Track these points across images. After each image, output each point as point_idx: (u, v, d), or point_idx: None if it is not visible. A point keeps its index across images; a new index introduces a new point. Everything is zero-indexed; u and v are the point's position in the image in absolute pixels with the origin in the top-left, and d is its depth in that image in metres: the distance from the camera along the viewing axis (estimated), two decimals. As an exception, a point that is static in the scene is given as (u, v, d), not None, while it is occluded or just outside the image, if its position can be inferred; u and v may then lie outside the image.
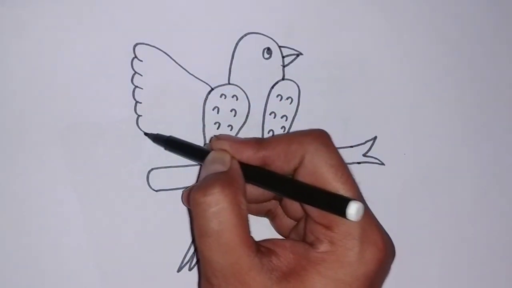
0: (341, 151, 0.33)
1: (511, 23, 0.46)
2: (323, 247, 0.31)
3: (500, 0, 0.46)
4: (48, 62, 0.35)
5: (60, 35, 0.35)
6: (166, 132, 0.38)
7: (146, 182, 0.38)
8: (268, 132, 0.40)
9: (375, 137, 0.43)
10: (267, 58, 0.39)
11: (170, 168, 0.38)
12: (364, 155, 0.42)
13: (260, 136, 0.40)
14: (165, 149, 0.37)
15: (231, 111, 0.39)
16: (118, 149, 0.37)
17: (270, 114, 0.40)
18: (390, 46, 0.43)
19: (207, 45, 0.38)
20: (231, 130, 0.39)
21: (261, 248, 0.32)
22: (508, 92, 0.47)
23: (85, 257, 0.37)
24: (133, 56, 0.37)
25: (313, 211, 0.32)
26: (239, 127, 0.39)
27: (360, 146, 0.42)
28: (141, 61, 0.37)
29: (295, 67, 0.40)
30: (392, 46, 0.43)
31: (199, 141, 0.39)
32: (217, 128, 0.39)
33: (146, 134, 0.37)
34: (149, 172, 0.38)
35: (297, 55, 0.40)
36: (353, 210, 0.29)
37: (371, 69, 0.42)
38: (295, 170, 0.33)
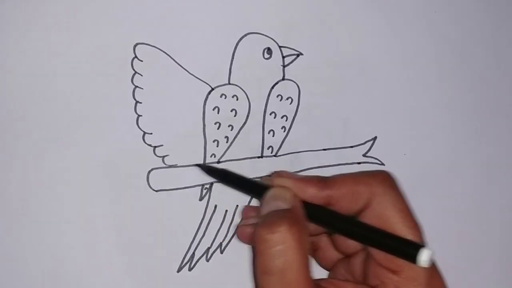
0: (341, 151, 0.33)
1: (511, 23, 0.46)
2: None
3: (500, 0, 0.46)
4: (48, 62, 0.35)
5: (60, 35, 0.35)
6: (166, 132, 0.38)
7: (146, 182, 0.38)
8: (269, 132, 0.40)
9: (375, 137, 0.43)
10: (267, 58, 0.39)
11: (170, 168, 0.38)
12: (364, 155, 0.42)
13: (261, 136, 0.40)
14: (219, 181, 0.37)
15: (231, 111, 0.39)
16: (118, 149, 0.37)
17: (270, 114, 0.40)
18: (390, 46, 0.43)
19: (207, 45, 0.38)
20: (231, 130, 0.39)
21: None
22: (508, 92, 0.47)
23: (85, 257, 0.37)
24: (133, 56, 0.37)
25: (379, 254, 0.32)
26: (239, 127, 0.39)
27: (360, 146, 0.42)
28: (141, 61, 0.37)
29: (295, 67, 0.40)
30: (392, 46, 0.43)
31: (199, 141, 0.39)
32: (217, 128, 0.39)
33: (197, 165, 0.37)
34: (149, 172, 0.38)
35: (297, 55, 0.40)
36: (426, 256, 0.29)
37: (371, 69, 0.42)
38: (360, 211, 0.33)
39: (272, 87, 0.40)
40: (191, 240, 0.39)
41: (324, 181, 0.33)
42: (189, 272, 0.39)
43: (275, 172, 0.36)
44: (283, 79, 0.40)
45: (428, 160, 0.44)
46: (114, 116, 0.37)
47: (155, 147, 0.38)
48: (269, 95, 0.40)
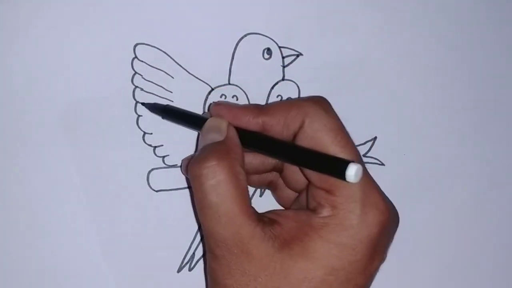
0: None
1: (511, 23, 0.46)
2: (325, 212, 0.31)
3: (500, 0, 0.46)
4: (48, 62, 0.35)
5: (60, 35, 0.35)
6: (167, 132, 0.38)
7: (146, 182, 0.38)
8: (268, 132, 0.40)
9: (375, 138, 0.43)
10: (267, 59, 0.39)
11: (170, 168, 0.38)
12: (364, 155, 0.42)
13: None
14: (163, 118, 0.37)
15: (231, 111, 0.39)
16: (118, 149, 0.37)
17: (270, 114, 0.40)
18: (390, 46, 0.43)
19: (207, 45, 0.38)
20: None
21: (263, 218, 0.32)
22: (508, 92, 0.47)
23: (85, 257, 0.37)
24: (133, 56, 0.37)
25: (314, 176, 0.32)
26: (239, 127, 0.39)
27: (360, 146, 0.42)
28: (141, 61, 0.37)
29: (295, 67, 0.40)
30: (392, 46, 0.43)
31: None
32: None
33: (143, 104, 0.37)
34: (149, 172, 0.38)
35: (297, 56, 0.40)
36: (352, 171, 0.29)
37: (371, 69, 0.42)
38: (295, 135, 0.33)
39: (272, 88, 0.40)
40: (191, 240, 0.39)
41: (259, 108, 0.34)
42: (189, 272, 0.39)
43: (212, 102, 0.36)
44: (283, 79, 0.40)
45: (428, 160, 0.44)
46: (114, 116, 0.37)
47: (155, 147, 0.38)
48: (269, 95, 0.40)
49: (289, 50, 0.40)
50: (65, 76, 0.36)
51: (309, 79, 0.41)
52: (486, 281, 0.47)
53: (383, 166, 0.43)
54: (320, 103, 0.33)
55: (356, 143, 0.42)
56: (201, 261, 0.39)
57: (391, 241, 0.33)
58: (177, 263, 0.39)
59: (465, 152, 0.46)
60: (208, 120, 0.34)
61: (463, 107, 0.45)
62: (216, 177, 0.30)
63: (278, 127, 0.33)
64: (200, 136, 0.35)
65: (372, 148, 0.43)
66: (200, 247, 0.39)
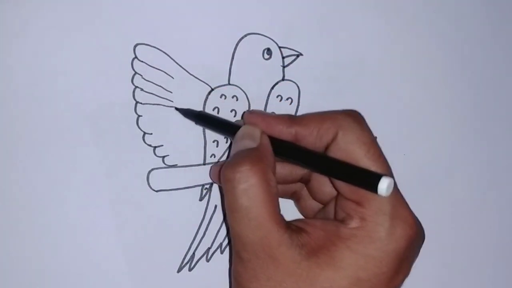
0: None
1: (511, 23, 0.46)
2: (354, 223, 0.32)
3: (500, 0, 0.46)
4: (48, 62, 0.35)
5: (60, 35, 0.35)
6: (167, 132, 0.38)
7: (146, 182, 0.38)
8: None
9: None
10: (267, 59, 0.39)
11: (170, 168, 0.38)
12: (364, 155, 0.42)
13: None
14: (196, 123, 0.38)
15: (231, 111, 0.39)
16: (118, 149, 0.37)
17: (270, 114, 0.40)
18: (390, 46, 0.43)
19: (207, 46, 0.38)
20: (231, 130, 0.39)
21: (292, 226, 0.32)
22: (507, 92, 0.47)
23: (85, 257, 0.37)
24: (133, 56, 0.37)
25: (344, 187, 0.32)
26: (239, 127, 0.39)
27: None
28: (141, 61, 0.37)
29: (295, 67, 0.40)
30: (392, 46, 0.43)
31: (199, 142, 0.39)
32: (217, 128, 0.39)
33: (176, 109, 0.37)
34: (149, 172, 0.38)
35: (297, 56, 0.40)
36: (384, 185, 0.29)
37: (371, 69, 0.42)
38: (327, 147, 0.33)
39: (272, 88, 0.40)
40: (191, 240, 0.39)
41: (293, 118, 0.34)
42: (189, 272, 0.39)
43: (246, 111, 0.36)
44: (283, 79, 0.40)
45: (428, 160, 0.44)
46: (114, 116, 0.37)
47: (155, 147, 0.38)
48: (269, 95, 0.40)
49: (289, 50, 0.40)
50: (65, 76, 0.36)
51: (309, 79, 0.41)
52: (486, 281, 0.47)
53: (383, 166, 0.43)
54: (354, 117, 0.33)
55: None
56: (201, 261, 0.39)
57: (417, 256, 0.34)
58: (177, 263, 0.39)
59: (465, 152, 0.46)
60: (242, 127, 0.35)
61: (463, 107, 0.45)
62: (248, 181, 0.31)
63: (311, 138, 0.33)
64: (233, 142, 0.35)
65: (372, 148, 0.43)
66: (200, 247, 0.39)
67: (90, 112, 0.36)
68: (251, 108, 0.39)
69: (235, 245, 0.32)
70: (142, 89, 0.37)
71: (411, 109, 0.44)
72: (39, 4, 0.35)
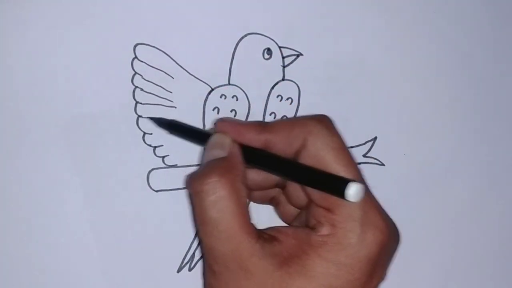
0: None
1: (511, 23, 0.46)
2: (324, 230, 0.31)
3: (500, 0, 0.46)
4: (48, 62, 0.35)
5: (60, 35, 0.35)
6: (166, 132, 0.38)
7: (146, 182, 0.38)
8: (268, 133, 0.40)
9: (375, 138, 0.43)
10: (267, 59, 0.39)
11: (170, 168, 0.38)
12: (364, 155, 0.42)
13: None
14: (169, 133, 0.37)
15: (231, 111, 0.39)
16: (118, 149, 0.37)
17: (270, 114, 0.40)
18: (390, 46, 0.43)
19: (207, 45, 0.38)
20: (231, 130, 0.39)
21: (263, 235, 0.32)
22: (507, 92, 0.47)
23: (85, 257, 0.37)
24: (133, 56, 0.37)
25: (315, 194, 0.32)
26: (239, 127, 0.39)
27: (360, 146, 0.42)
28: (141, 61, 0.37)
29: (295, 67, 0.40)
30: (392, 46, 0.43)
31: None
32: (217, 129, 0.39)
33: (150, 118, 0.37)
34: (149, 172, 0.38)
35: (297, 56, 0.40)
36: (352, 191, 0.28)
37: (371, 69, 0.42)
38: (297, 153, 0.33)
39: (272, 88, 0.40)
40: (191, 240, 0.39)
41: (263, 125, 0.34)
42: (189, 272, 0.39)
43: (218, 119, 0.36)
44: (283, 79, 0.40)
45: (428, 160, 0.44)
46: (114, 116, 0.37)
47: (155, 147, 0.38)
48: (269, 95, 0.40)
49: (289, 50, 0.40)
50: (65, 76, 0.36)
51: (309, 79, 0.41)
52: (486, 281, 0.47)
53: (383, 166, 0.43)
54: (324, 122, 0.33)
55: (356, 143, 0.42)
56: (201, 261, 0.39)
57: (392, 260, 0.33)
58: (177, 263, 0.39)
59: (465, 152, 0.46)
60: (212, 136, 0.34)
61: (463, 107, 0.45)
62: (216, 193, 0.31)
63: (281, 144, 0.33)
64: (204, 151, 0.35)
65: (372, 148, 0.43)
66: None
67: (90, 112, 0.36)
68: (251, 108, 0.39)
69: (207, 258, 0.32)
70: (142, 89, 0.37)
71: (411, 109, 0.44)
72: (39, 4, 0.35)
